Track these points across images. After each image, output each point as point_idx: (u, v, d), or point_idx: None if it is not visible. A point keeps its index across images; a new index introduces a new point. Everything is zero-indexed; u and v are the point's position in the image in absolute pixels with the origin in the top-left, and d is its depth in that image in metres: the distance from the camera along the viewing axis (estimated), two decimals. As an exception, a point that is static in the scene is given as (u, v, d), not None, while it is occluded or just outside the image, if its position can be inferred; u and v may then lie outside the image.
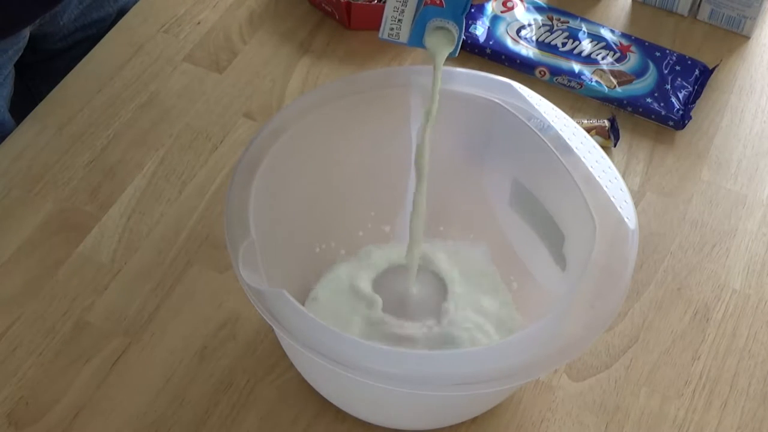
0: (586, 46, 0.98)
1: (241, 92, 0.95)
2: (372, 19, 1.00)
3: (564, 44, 0.98)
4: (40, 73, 1.00)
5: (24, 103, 0.94)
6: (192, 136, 0.91)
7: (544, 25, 1.00)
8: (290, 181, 0.74)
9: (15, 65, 0.97)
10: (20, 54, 0.96)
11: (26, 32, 0.96)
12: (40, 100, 0.93)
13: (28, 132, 0.90)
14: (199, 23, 1.00)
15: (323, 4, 1.01)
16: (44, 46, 1.01)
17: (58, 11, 0.98)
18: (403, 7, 0.68)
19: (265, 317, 0.63)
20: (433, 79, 0.70)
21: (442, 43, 0.69)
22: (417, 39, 0.69)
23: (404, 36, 0.69)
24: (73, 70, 0.95)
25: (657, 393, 0.77)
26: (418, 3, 0.67)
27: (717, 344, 0.80)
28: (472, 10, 1.01)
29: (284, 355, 0.74)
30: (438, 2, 0.67)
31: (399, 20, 0.68)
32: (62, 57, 0.98)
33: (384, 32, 0.69)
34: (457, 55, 0.70)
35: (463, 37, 0.70)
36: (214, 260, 0.82)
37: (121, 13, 1.02)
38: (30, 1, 0.90)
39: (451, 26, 0.68)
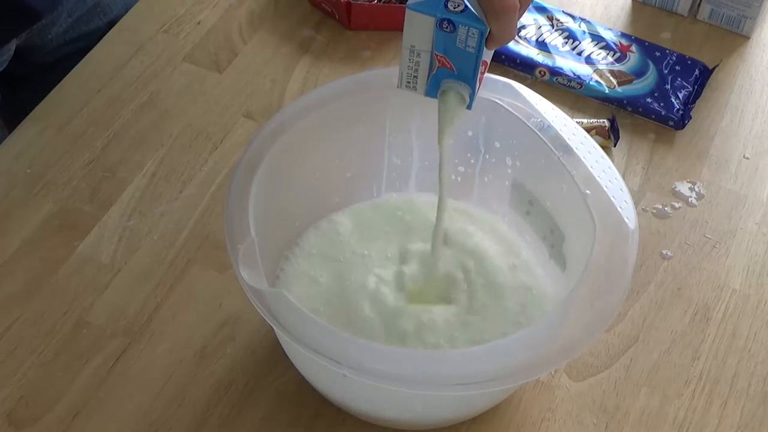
0: (586, 46, 0.98)
1: (241, 92, 0.95)
2: (372, 19, 1.00)
3: (564, 44, 0.98)
4: (33, 86, 0.99)
5: (17, 117, 0.93)
6: (192, 136, 0.91)
7: (544, 25, 1.00)
8: (290, 181, 0.74)
9: (6, 78, 0.96)
10: (5, 66, 0.95)
11: (11, 45, 0.95)
12: None
13: (28, 132, 0.90)
14: (199, 23, 1.00)
15: (323, 4, 1.01)
16: (33, 58, 1.00)
17: (46, 24, 0.97)
18: (416, 67, 0.67)
19: (265, 317, 0.63)
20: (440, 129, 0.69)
21: (454, 103, 0.68)
22: (434, 92, 0.68)
23: (421, 89, 0.68)
24: (73, 70, 0.95)
25: (657, 393, 0.77)
26: (430, 63, 0.66)
27: (717, 344, 0.80)
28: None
29: (284, 355, 0.74)
30: (449, 66, 0.66)
31: (414, 77, 0.68)
32: (54, 70, 0.97)
33: (401, 84, 0.68)
34: (471, 109, 0.68)
35: (476, 95, 0.68)
36: (214, 260, 0.82)
37: (111, 25, 1.00)
38: (5, 22, 0.90)
39: (463, 88, 0.67)
